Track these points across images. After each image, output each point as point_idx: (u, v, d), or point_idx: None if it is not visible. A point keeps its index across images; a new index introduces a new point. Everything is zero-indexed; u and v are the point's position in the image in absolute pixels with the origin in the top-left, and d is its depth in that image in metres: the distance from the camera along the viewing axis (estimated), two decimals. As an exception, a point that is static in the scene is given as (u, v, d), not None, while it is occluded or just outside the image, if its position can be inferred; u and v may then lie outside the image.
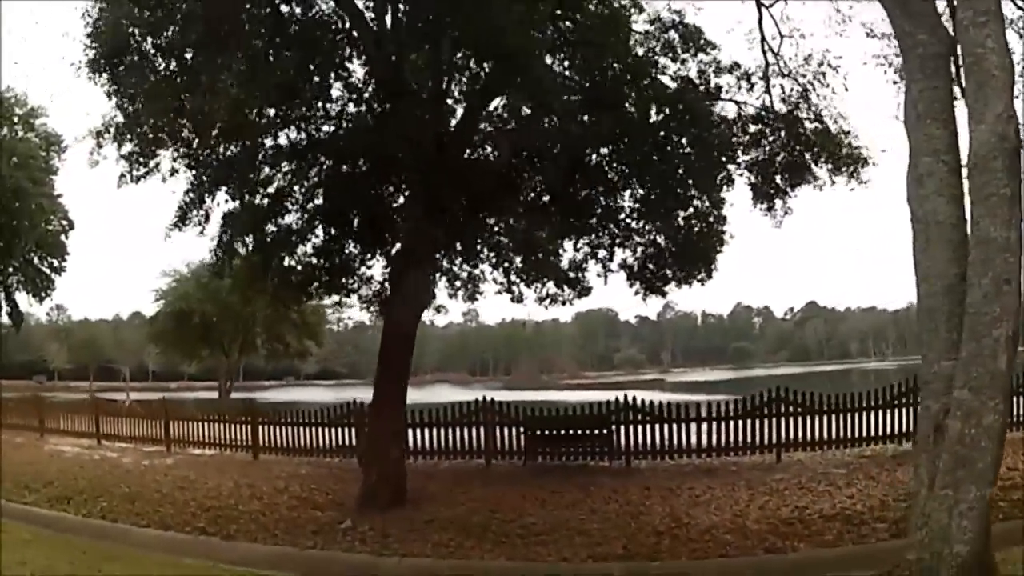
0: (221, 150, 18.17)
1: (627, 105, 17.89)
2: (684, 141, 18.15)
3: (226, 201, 18.81)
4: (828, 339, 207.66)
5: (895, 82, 16.98)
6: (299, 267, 20.70)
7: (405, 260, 18.80)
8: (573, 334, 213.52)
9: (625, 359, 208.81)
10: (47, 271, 55.16)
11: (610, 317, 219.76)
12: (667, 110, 18.07)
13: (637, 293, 21.43)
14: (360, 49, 17.39)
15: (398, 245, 20.10)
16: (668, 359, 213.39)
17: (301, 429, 26.65)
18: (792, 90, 19.03)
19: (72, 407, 37.55)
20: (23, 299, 55.55)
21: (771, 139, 18.99)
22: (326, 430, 25.99)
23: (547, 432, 23.94)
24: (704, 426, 23.16)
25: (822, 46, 18.84)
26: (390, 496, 17.45)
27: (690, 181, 18.55)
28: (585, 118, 17.91)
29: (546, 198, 20.12)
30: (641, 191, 19.48)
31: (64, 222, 54.95)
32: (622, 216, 20.18)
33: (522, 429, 23.82)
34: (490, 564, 13.71)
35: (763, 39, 18.89)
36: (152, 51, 16.27)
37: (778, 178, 18.96)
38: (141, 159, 17.62)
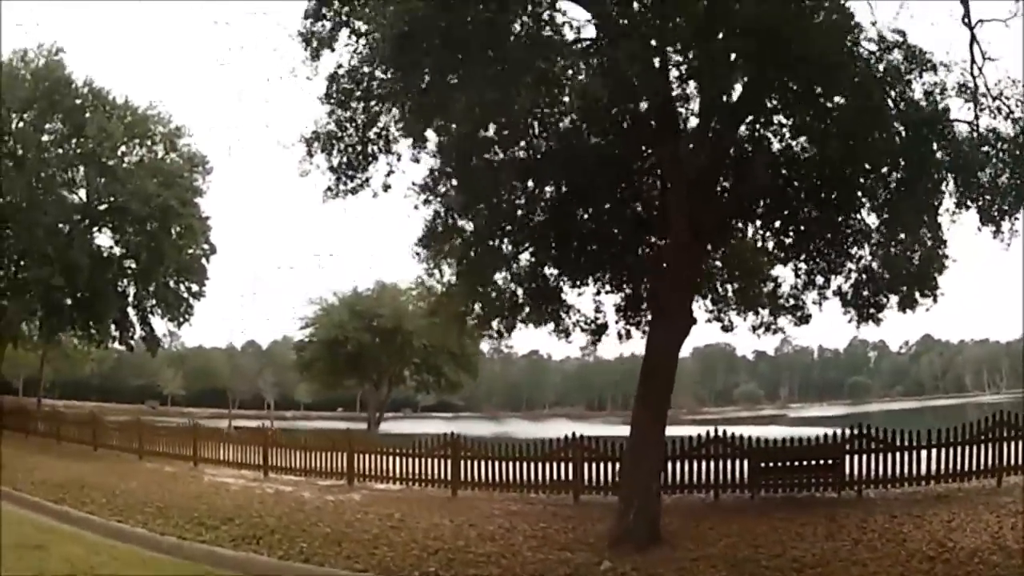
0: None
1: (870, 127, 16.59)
2: (925, 163, 17.06)
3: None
4: (944, 373, 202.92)
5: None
6: (506, 292, 20.06)
7: (671, 282, 17.75)
8: (691, 369, 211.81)
9: (744, 394, 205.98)
10: (186, 295, 53.15)
11: (728, 352, 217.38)
12: (908, 132, 16.90)
13: (851, 321, 20.47)
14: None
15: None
16: (785, 394, 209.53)
17: (506, 464, 25.31)
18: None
19: (233, 437, 35.76)
20: (159, 324, 54.30)
21: (995, 162, 17.60)
22: (535, 464, 24.79)
23: (775, 464, 23.10)
24: (924, 454, 22.51)
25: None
26: (648, 534, 16.38)
27: (932, 203, 17.59)
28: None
29: (776, 223, 19.65)
30: (876, 216, 18.68)
31: (206, 246, 53.30)
32: (848, 241, 19.35)
33: (749, 461, 22.98)
34: None
35: (973, 61, 17.52)
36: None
37: (1001, 200, 17.56)
38: (350, 172, 17.42)
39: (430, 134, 17.35)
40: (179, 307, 52.61)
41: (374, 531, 18.41)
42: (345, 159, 17.45)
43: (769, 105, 17.22)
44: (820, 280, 20.29)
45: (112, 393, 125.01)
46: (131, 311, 52.64)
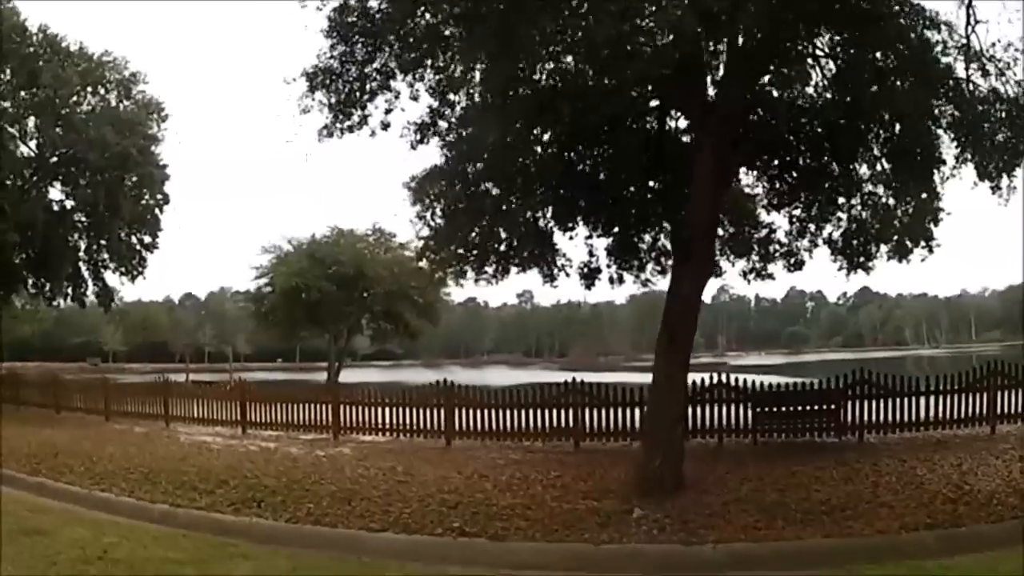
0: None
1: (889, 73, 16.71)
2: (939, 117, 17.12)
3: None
4: (882, 325, 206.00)
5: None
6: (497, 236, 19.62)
7: (697, 228, 17.40)
8: (628, 316, 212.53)
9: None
10: (138, 247, 51.15)
11: (664, 300, 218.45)
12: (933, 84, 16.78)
13: (841, 269, 20.76)
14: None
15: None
16: (723, 343, 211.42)
17: (504, 411, 24.98)
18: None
19: (206, 392, 33.82)
20: (112, 278, 52.45)
21: (993, 121, 17.62)
22: (535, 412, 24.68)
23: (778, 409, 23.51)
24: (921, 400, 23.43)
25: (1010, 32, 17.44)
26: (674, 480, 16.36)
27: (933, 156, 17.66)
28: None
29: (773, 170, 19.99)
30: (868, 167, 19.03)
31: (159, 196, 50.98)
32: (841, 191, 19.59)
33: (753, 406, 23.39)
34: (807, 543, 13.06)
35: (968, 23, 17.39)
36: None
37: (999, 157, 17.59)
38: (348, 109, 17.38)
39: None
40: (132, 260, 50.90)
41: (383, 487, 17.79)
42: (344, 96, 17.28)
43: (802, 52, 17.13)
44: (812, 228, 20.56)
45: (53, 352, 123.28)
46: (83, 266, 50.90)
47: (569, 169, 18.52)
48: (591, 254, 20.81)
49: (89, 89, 47.21)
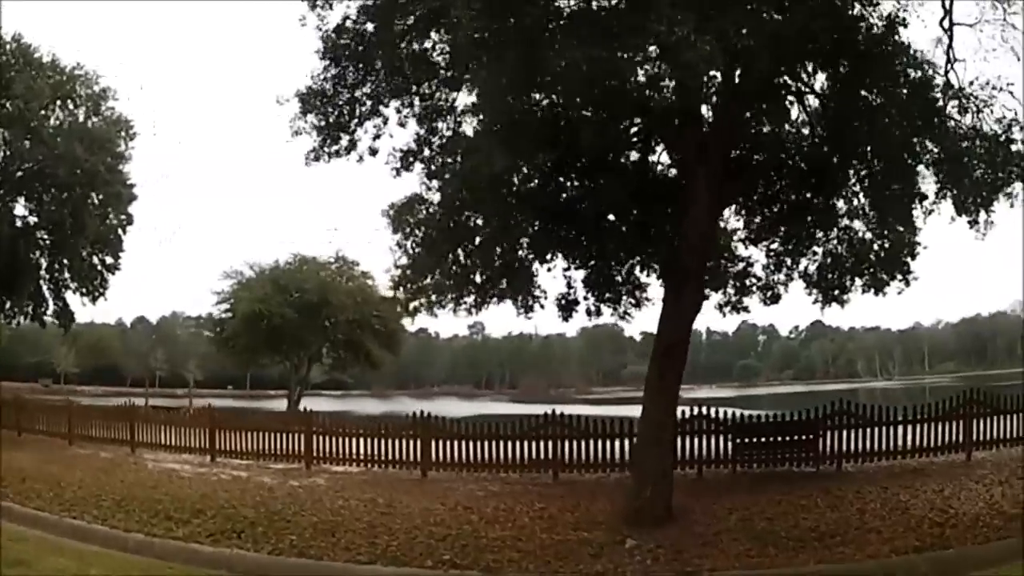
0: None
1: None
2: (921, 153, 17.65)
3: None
4: (835, 358, 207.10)
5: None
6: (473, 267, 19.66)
7: (691, 259, 17.71)
8: (579, 349, 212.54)
9: (632, 374, 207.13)
10: (100, 268, 49.71)
11: (615, 333, 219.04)
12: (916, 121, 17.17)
13: (816, 302, 21.04)
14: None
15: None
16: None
17: (481, 443, 24.73)
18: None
19: (172, 419, 33.00)
20: (72, 298, 50.76)
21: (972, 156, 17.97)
22: (513, 443, 24.46)
23: (758, 439, 23.66)
24: (899, 430, 23.65)
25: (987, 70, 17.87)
26: (664, 511, 16.58)
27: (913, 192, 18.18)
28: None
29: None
30: (844, 202, 19.61)
31: (123, 216, 49.75)
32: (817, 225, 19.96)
33: (733, 437, 23.48)
34: (803, 570, 13.54)
35: (948, 61, 18.05)
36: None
37: (978, 193, 18.03)
38: (336, 133, 17.70)
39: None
40: (93, 280, 49.64)
41: (365, 518, 17.60)
42: (334, 119, 17.51)
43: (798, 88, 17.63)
44: (788, 261, 20.81)
45: (6, 371, 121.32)
46: (43, 285, 49.67)
47: (552, 199, 18.49)
48: (569, 286, 20.67)
49: (58, 103, 45.82)
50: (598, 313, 21.16)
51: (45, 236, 47.97)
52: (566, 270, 20.52)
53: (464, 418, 28.47)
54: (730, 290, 22.21)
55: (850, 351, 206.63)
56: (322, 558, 14.75)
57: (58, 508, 18.74)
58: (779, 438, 23.69)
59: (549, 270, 20.38)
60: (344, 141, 17.80)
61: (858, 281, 20.15)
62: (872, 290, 19.95)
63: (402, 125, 18.31)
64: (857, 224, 19.68)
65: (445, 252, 18.81)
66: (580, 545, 14.87)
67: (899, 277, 19.56)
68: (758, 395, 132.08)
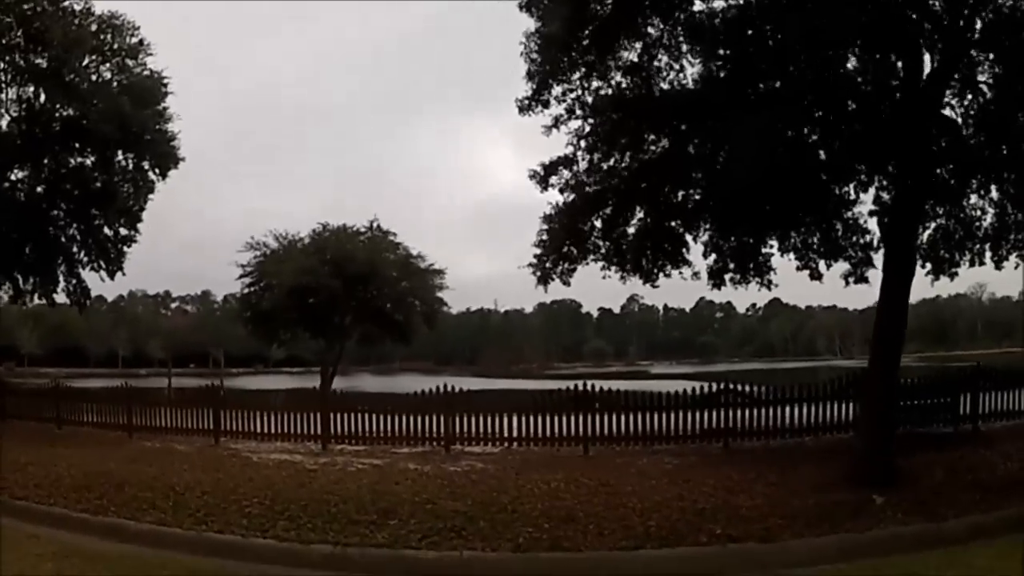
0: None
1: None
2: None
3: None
4: (794, 336, 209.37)
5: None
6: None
7: (905, 220, 18.40)
8: (539, 325, 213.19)
9: (593, 350, 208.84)
10: (116, 241, 42.15)
11: (573, 308, 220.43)
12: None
13: (929, 274, 21.10)
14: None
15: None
16: (634, 351, 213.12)
17: (652, 415, 24.12)
18: None
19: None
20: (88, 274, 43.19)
21: None
22: (676, 414, 24.14)
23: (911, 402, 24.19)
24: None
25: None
26: (891, 470, 16.99)
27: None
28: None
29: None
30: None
31: (153, 179, 41.41)
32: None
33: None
34: None
35: None
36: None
37: None
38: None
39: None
40: (111, 254, 42.18)
41: (595, 500, 15.92)
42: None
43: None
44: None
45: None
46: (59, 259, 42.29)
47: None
48: (719, 255, 20.87)
49: (98, 56, 38.34)
50: (745, 282, 21.22)
51: (65, 205, 41.25)
52: (713, 239, 20.79)
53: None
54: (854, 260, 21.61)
55: (810, 329, 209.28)
56: (580, 549, 13.06)
57: (190, 522, 15.07)
58: (926, 400, 24.45)
59: (695, 239, 20.94)
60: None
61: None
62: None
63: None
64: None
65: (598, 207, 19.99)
66: (836, 507, 14.77)
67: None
68: (719, 371, 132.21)
